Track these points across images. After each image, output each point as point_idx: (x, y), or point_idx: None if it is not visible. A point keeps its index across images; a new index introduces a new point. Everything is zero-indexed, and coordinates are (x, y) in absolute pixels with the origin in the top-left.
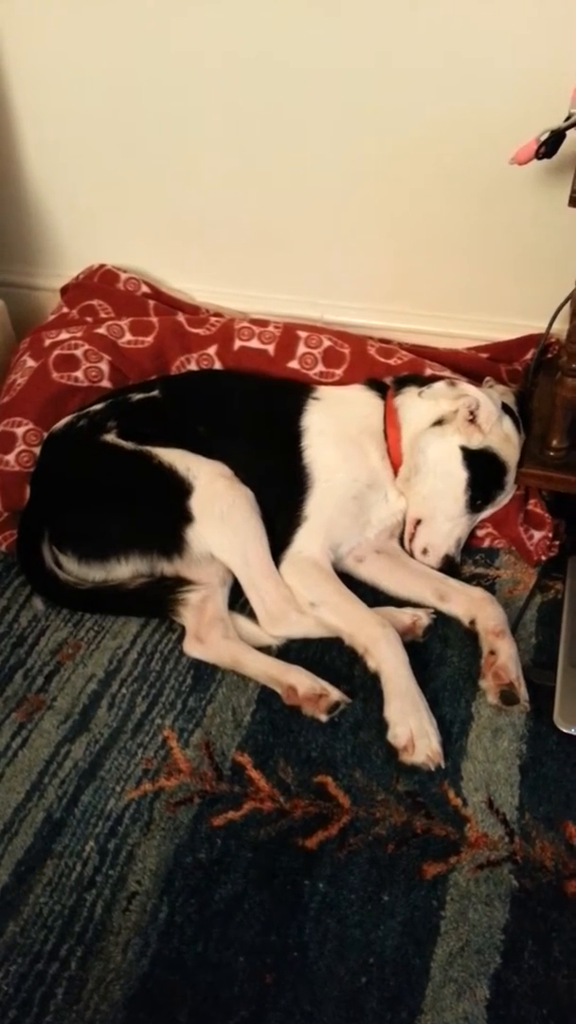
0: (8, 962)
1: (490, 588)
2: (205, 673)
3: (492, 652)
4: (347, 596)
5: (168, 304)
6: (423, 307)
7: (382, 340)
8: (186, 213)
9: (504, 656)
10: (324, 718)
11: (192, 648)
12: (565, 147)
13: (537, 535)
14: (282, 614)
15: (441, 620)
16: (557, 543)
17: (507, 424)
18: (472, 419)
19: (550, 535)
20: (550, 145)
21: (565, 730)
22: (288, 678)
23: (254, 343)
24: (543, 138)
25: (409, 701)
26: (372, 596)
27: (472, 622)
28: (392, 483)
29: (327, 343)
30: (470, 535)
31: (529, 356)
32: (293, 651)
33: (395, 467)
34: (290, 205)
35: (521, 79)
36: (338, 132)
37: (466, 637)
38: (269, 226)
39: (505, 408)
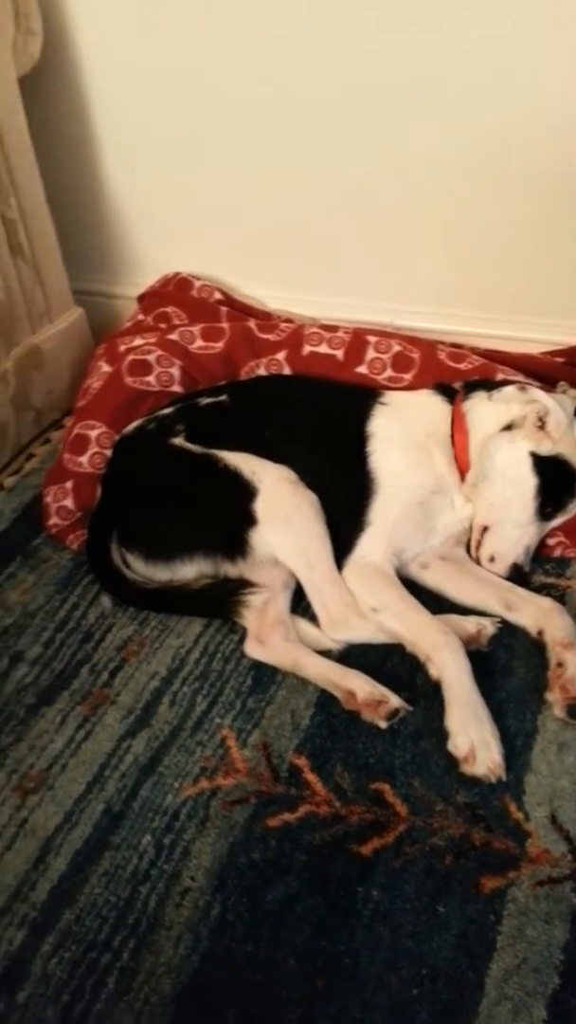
0: (63, 948)
1: (560, 599)
2: (265, 675)
3: (560, 664)
4: (410, 602)
5: (240, 310)
6: (495, 311)
7: (453, 345)
8: (259, 222)
9: (573, 668)
10: (383, 724)
11: (253, 649)
12: None
13: None
14: (344, 618)
15: (507, 630)
16: None
17: None
18: (542, 425)
19: None
20: None
21: None
22: (348, 683)
23: (323, 348)
24: None
25: (471, 711)
26: (437, 604)
27: (540, 633)
28: (459, 489)
29: (396, 348)
30: (540, 544)
31: None
32: (353, 656)
33: (462, 473)
34: (361, 212)
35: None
36: (408, 139)
37: (533, 648)
38: (340, 233)
39: None
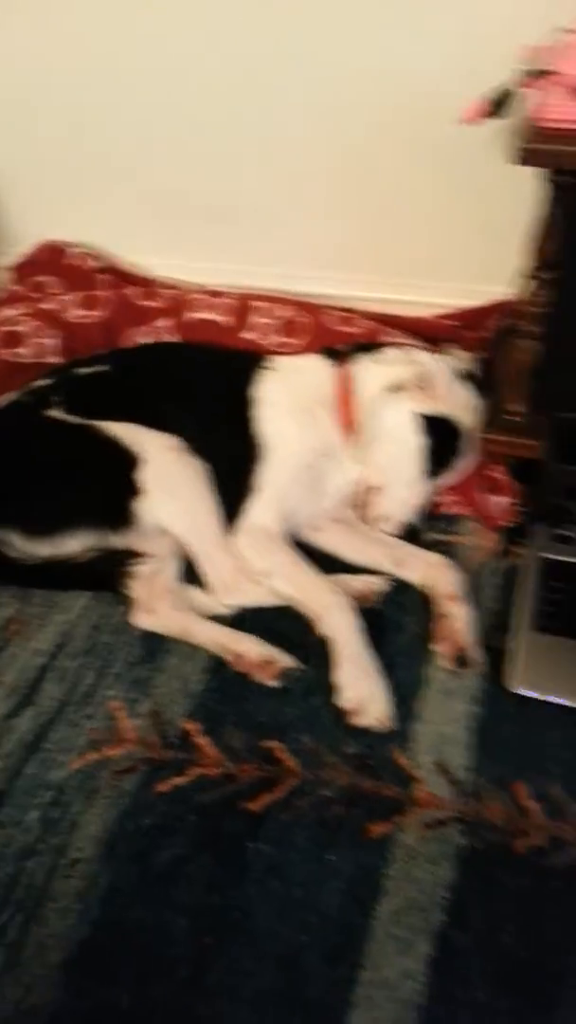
0: None
1: (450, 554)
2: (155, 644)
3: (446, 616)
4: (300, 565)
5: (121, 278)
6: (388, 275)
7: (344, 309)
8: (139, 186)
9: (457, 619)
10: (273, 684)
11: (141, 619)
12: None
13: (499, 501)
14: (235, 583)
15: (400, 587)
16: (520, 509)
17: (462, 389)
18: (426, 385)
19: (513, 501)
20: (499, 105)
21: (515, 690)
22: (238, 645)
23: (207, 314)
24: (492, 97)
25: (359, 665)
26: (330, 565)
27: (428, 588)
28: (348, 452)
29: (283, 312)
30: (431, 502)
31: (494, 322)
32: (246, 621)
33: (350, 435)
34: (250, 175)
35: (468, 36)
36: (293, 97)
37: (424, 603)
38: (226, 196)
39: (464, 374)
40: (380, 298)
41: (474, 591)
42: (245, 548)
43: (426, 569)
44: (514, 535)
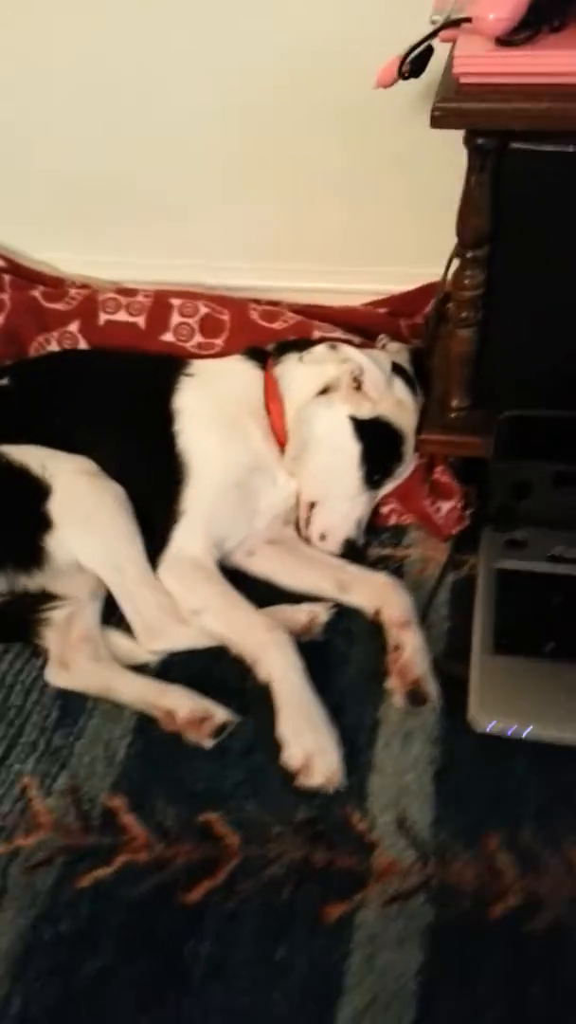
0: None
1: (398, 571)
2: (74, 703)
3: (397, 647)
4: (232, 599)
5: (26, 278)
6: (311, 262)
7: (269, 303)
8: (42, 175)
9: (410, 650)
10: (209, 744)
11: (56, 676)
12: (434, 65)
13: (446, 506)
14: (161, 625)
15: (344, 614)
16: (468, 513)
17: (399, 388)
18: (358, 385)
19: (460, 505)
20: (415, 62)
21: (480, 729)
22: (165, 701)
23: (121, 316)
24: (407, 55)
25: (303, 715)
26: (268, 593)
27: (377, 613)
28: (280, 464)
29: (204, 310)
30: (373, 513)
31: (429, 308)
32: (176, 667)
33: (281, 445)
34: (155, 159)
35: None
36: (196, 75)
37: (373, 631)
38: (136, 184)
39: (398, 369)
40: (307, 288)
41: (426, 611)
42: (171, 582)
43: (373, 592)
44: (465, 544)
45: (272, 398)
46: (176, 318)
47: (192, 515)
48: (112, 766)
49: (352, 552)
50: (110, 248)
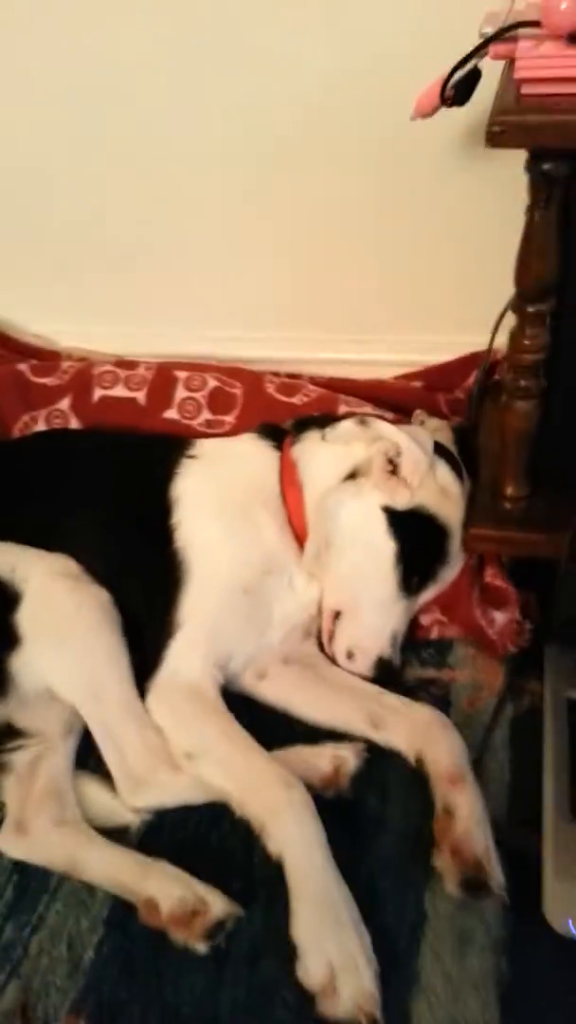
0: None
1: (443, 699)
2: (33, 880)
3: (447, 811)
4: (238, 740)
5: (17, 352)
6: (336, 331)
7: (288, 376)
8: (41, 244)
9: (465, 817)
10: (202, 947)
11: (11, 844)
12: (482, 90)
13: (501, 617)
14: (148, 773)
15: (380, 757)
16: (528, 626)
17: (443, 472)
18: (394, 469)
19: (518, 616)
20: (460, 85)
21: (561, 929)
22: (147, 886)
23: (119, 390)
24: (450, 75)
25: (326, 911)
26: (284, 726)
27: (419, 759)
28: (298, 564)
29: (213, 383)
30: (411, 626)
31: (471, 380)
32: (166, 829)
33: (300, 541)
34: (162, 224)
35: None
36: (207, 133)
37: (415, 781)
38: (141, 251)
39: (440, 450)
40: (330, 359)
41: (480, 757)
42: (162, 714)
43: (413, 731)
44: (526, 665)
45: (290, 484)
46: (181, 392)
47: (191, 628)
48: (76, 974)
49: (386, 673)
50: (110, 318)
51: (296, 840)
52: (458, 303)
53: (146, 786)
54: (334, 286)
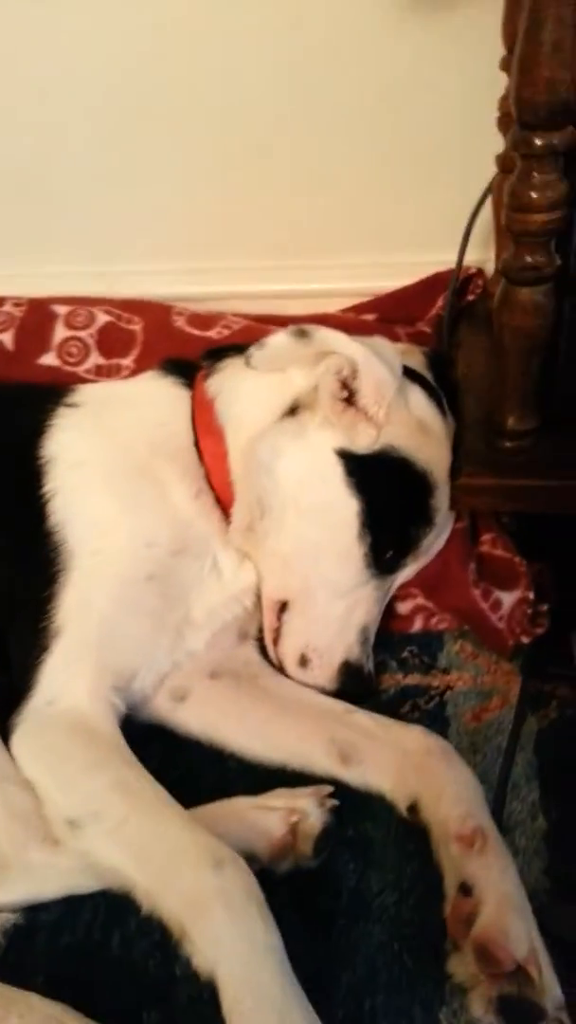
0: None
1: (437, 716)
2: None
3: (465, 889)
4: (143, 798)
5: None
6: (262, 257)
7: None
8: None
9: (493, 901)
10: None
11: None
12: None
13: (508, 599)
14: (14, 852)
15: (353, 802)
16: (544, 608)
17: (419, 400)
18: (350, 397)
19: (531, 596)
20: None
21: None
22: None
23: None
24: None
25: None
26: (217, 765)
27: (413, 807)
28: (224, 540)
29: (104, 318)
30: (384, 616)
31: (439, 305)
32: (45, 930)
33: (225, 508)
34: (48, 138)
35: None
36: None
37: (408, 833)
38: (26, 173)
39: (413, 376)
40: (257, 292)
41: (501, 799)
42: (31, 764)
43: (400, 764)
44: (543, 659)
45: (206, 431)
46: (61, 332)
47: (73, 635)
48: None
49: (354, 683)
50: None
51: (232, 950)
52: (415, 215)
53: (9, 871)
54: (260, 208)
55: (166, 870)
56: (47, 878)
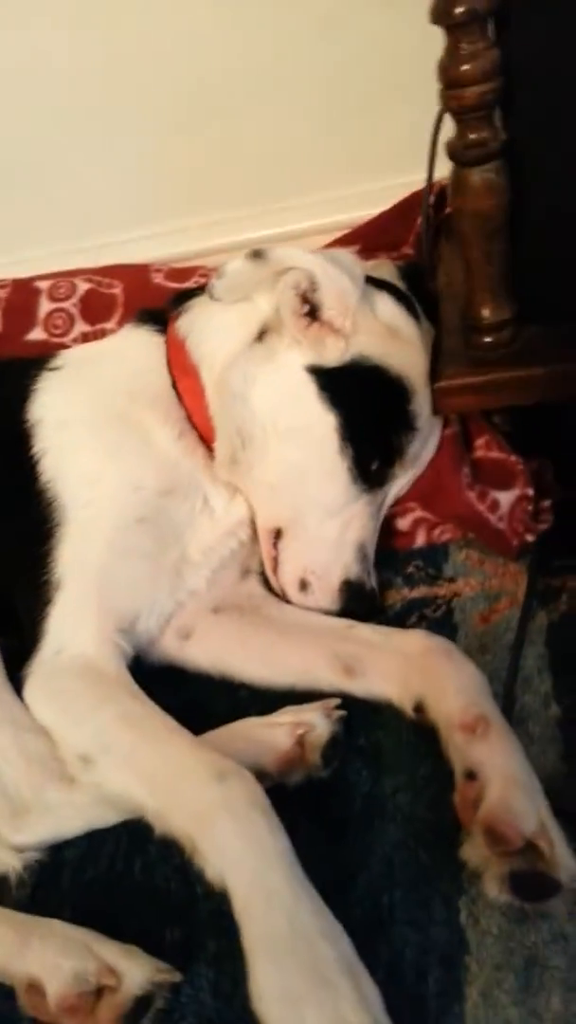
0: None
1: (446, 624)
2: None
3: (471, 775)
4: (147, 726)
5: None
6: (236, 207)
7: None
8: None
9: (498, 781)
10: None
11: None
12: None
13: (506, 498)
14: (32, 793)
15: (362, 713)
16: (547, 503)
17: (387, 306)
18: (312, 311)
19: (530, 492)
20: None
21: None
22: (27, 961)
23: None
24: None
25: (299, 960)
26: (229, 696)
27: (420, 707)
28: (212, 477)
29: (85, 286)
30: (385, 534)
31: (418, 225)
32: (69, 865)
33: (209, 445)
34: (15, 122)
35: None
36: None
37: (420, 736)
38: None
39: (378, 283)
40: (235, 243)
41: (510, 692)
42: (44, 708)
43: (403, 667)
44: (552, 555)
45: (181, 372)
46: (46, 305)
47: (74, 585)
48: None
49: (357, 602)
50: None
51: (238, 855)
52: (383, 138)
53: (30, 813)
54: (219, 152)
55: (173, 789)
56: (66, 816)
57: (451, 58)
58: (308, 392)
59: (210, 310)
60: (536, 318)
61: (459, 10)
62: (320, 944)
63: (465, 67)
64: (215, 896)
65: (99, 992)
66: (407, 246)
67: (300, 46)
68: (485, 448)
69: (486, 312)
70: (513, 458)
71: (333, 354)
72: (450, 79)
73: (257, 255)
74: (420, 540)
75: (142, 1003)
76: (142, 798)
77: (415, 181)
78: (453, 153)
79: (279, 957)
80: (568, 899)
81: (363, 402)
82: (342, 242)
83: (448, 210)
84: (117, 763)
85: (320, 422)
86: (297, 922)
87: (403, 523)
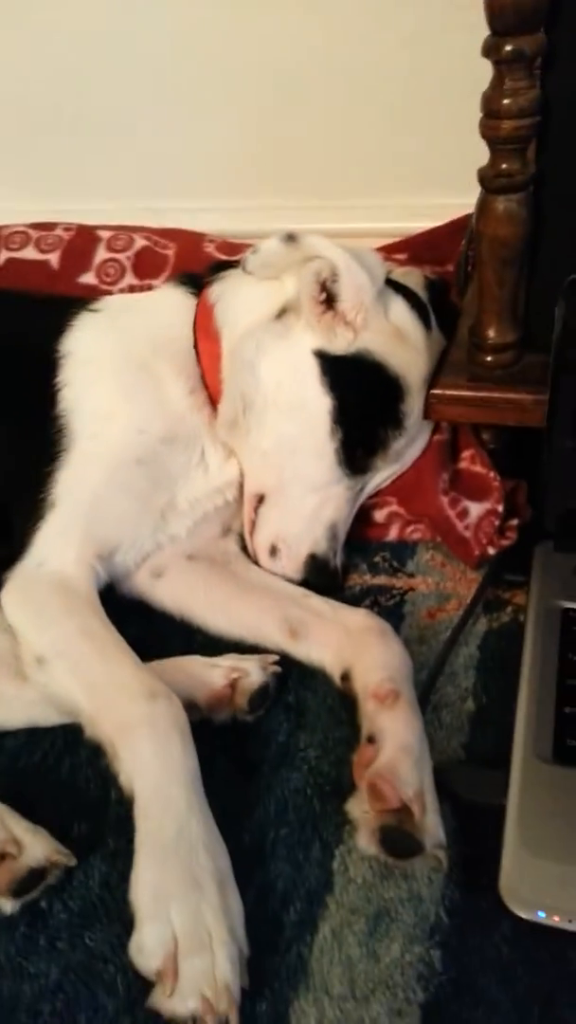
0: None
1: (395, 613)
2: None
3: (371, 739)
4: (100, 641)
5: None
6: (299, 197)
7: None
8: None
9: (392, 747)
10: (7, 905)
11: None
12: None
13: (477, 510)
14: None
15: (298, 675)
16: (514, 523)
17: (399, 310)
18: (329, 300)
19: (499, 508)
20: None
21: (524, 913)
22: None
23: (28, 252)
24: None
25: (179, 864)
26: (186, 638)
27: (346, 676)
28: (213, 435)
29: (142, 243)
30: (361, 522)
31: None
32: (7, 752)
33: (216, 406)
34: (102, 75)
35: None
36: None
37: (343, 705)
38: (80, 108)
39: (402, 290)
40: (284, 230)
41: (433, 679)
42: (15, 610)
43: (340, 640)
44: (509, 570)
45: (205, 334)
46: (102, 254)
47: (66, 507)
48: None
49: (320, 576)
50: (32, 192)
51: (149, 765)
52: (444, 157)
53: None
54: (295, 142)
55: (109, 699)
56: (13, 708)
57: (494, 91)
58: (311, 373)
59: (241, 282)
60: (540, 347)
61: (507, 48)
62: (201, 853)
63: (506, 101)
64: (125, 803)
65: (1, 858)
66: (452, 263)
67: (387, 59)
68: (469, 461)
69: (491, 332)
70: (492, 474)
71: (341, 343)
72: (490, 110)
73: (291, 238)
74: (393, 534)
75: (36, 875)
76: (81, 703)
77: (468, 204)
78: (483, 179)
79: (161, 856)
80: (428, 866)
81: (359, 392)
82: (392, 249)
83: None
84: (67, 668)
85: (316, 402)
86: (185, 830)
87: (379, 515)
